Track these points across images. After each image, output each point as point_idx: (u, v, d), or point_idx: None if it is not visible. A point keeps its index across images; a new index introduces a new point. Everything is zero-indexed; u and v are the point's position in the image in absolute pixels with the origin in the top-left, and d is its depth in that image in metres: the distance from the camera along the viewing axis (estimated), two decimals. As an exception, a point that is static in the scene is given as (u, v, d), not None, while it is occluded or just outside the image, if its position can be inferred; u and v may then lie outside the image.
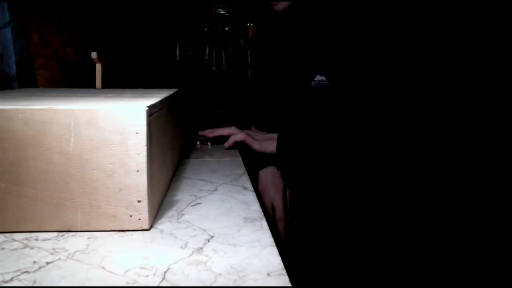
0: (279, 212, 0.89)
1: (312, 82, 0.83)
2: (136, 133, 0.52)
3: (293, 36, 0.92)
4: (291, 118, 0.89)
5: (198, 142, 1.13)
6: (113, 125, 0.52)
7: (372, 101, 0.76)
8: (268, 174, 0.93)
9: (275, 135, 0.84)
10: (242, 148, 0.90)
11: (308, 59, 0.86)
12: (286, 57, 0.94)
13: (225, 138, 1.00)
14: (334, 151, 0.76)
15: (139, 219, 0.54)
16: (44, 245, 0.50)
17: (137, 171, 0.52)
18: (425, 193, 0.82)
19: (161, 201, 0.66)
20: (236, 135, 0.91)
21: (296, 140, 0.80)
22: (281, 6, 0.86)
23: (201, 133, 1.06)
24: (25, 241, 0.51)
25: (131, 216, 0.54)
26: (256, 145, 0.86)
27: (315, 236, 0.93)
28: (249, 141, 0.86)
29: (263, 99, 1.04)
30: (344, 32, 0.79)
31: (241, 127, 1.02)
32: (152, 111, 0.56)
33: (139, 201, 0.53)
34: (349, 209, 0.89)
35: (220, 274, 0.43)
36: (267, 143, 0.85)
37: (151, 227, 0.56)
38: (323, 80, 0.81)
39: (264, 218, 0.61)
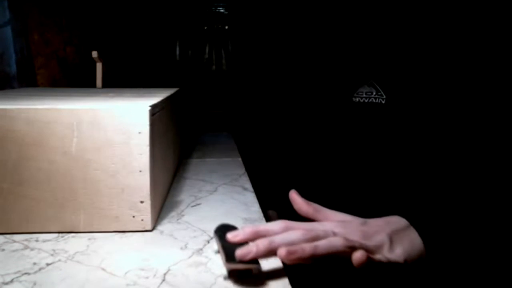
0: None
1: (355, 96, 0.57)
2: (139, 133, 0.52)
3: (331, 33, 0.63)
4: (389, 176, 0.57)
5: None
6: (116, 125, 0.52)
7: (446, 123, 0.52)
8: None
9: (387, 220, 0.49)
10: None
11: (348, 61, 0.59)
12: (314, 59, 0.66)
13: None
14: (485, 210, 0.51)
15: (142, 220, 0.54)
16: (44, 246, 0.50)
17: (140, 171, 0.53)
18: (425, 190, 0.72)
19: (163, 201, 0.66)
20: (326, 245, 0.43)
21: (447, 221, 0.50)
22: None
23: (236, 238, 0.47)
24: (26, 242, 0.51)
25: (133, 217, 0.54)
26: (378, 256, 0.45)
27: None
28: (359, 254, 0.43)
29: (264, 97, 0.82)
30: (398, 27, 0.54)
31: (242, 126, 1.01)
32: (154, 111, 0.56)
33: (141, 202, 0.53)
34: (349, 207, 0.89)
35: (220, 276, 0.44)
36: (397, 244, 0.46)
37: (153, 228, 0.56)
38: (371, 93, 0.55)
39: (263, 219, 0.61)
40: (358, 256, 0.41)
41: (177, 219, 0.60)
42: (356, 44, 0.57)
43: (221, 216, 0.62)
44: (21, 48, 1.14)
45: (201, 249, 0.50)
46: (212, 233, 0.55)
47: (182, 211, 0.64)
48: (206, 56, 2.35)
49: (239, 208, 0.66)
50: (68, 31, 1.41)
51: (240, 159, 1.00)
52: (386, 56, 0.55)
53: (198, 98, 2.24)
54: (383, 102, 0.54)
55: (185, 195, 0.72)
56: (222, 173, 0.87)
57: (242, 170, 0.90)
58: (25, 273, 0.43)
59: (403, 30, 0.54)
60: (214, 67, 2.36)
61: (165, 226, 0.57)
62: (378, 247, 0.45)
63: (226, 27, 2.34)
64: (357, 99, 0.55)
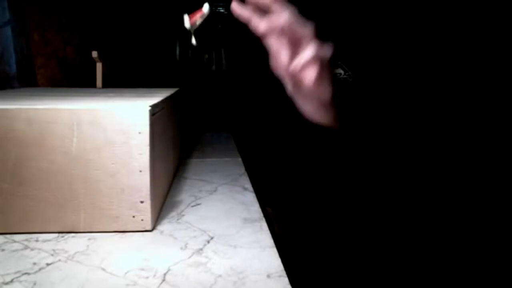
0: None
1: None
2: (139, 133, 0.52)
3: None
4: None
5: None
6: (116, 125, 0.52)
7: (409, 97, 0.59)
8: None
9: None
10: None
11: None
12: None
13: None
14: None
15: (142, 220, 0.54)
16: (44, 246, 0.50)
17: (140, 171, 0.53)
18: (426, 193, 0.81)
19: (163, 201, 0.66)
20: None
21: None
22: None
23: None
24: (26, 242, 0.51)
25: (133, 217, 0.54)
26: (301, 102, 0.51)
27: (315, 236, 0.93)
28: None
29: (264, 97, 0.91)
30: (365, 15, 0.62)
31: (242, 126, 1.01)
32: (154, 111, 0.56)
33: (141, 202, 0.53)
34: (349, 208, 0.89)
35: (220, 276, 0.44)
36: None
37: (153, 228, 0.56)
38: (340, 74, 0.63)
39: (263, 219, 0.61)
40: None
41: (177, 219, 0.60)
42: (326, 35, 0.61)
43: (221, 216, 0.62)
44: (21, 48, 1.14)
45: (201, 249, 0.50)
46: (212, 233, 0.55)
47: (182, 211, 0.63)
48: (206, 56, 2.35)
49: (239, 208, 0.66)
50: (68, 31, 1.41)
51: (240, 159, 1.00)
52: (350, 42, 0.63)
53: (198, 98, 2.24)
54: (350, 80, 0.62)
55: (185, 195, 0.71)
56: (222, 173, 0.86)
57: (242, 170, 0.90)
58: (25, 273, 0.43)
59: (363, 19, 0.63)
60: (214, 67, 2.36)
61: (165, 226, 0.57)
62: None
63: (226, 27, 2.34)
64: None
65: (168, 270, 0.45)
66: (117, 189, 0.52)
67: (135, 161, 0.52)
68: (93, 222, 0.53)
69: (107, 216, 0.53)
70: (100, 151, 0.52)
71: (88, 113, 0.51)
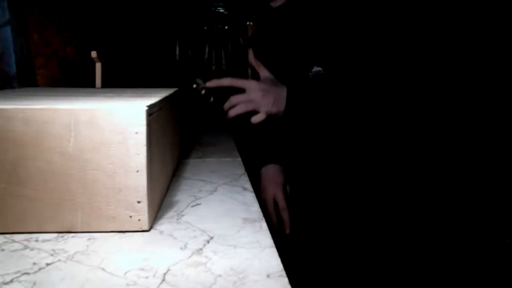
0: (282, 203, 0.92)
1: (310, 73, 0.89)
2: (136, 133, 0.52)
3: (290, 32, 0.95)
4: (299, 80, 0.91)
5: (194, 85, 0.94)
6: (113, 125, 0.51)
7: (364, 86, 0.85)
8: (269, 172, 0.96)
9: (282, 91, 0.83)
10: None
11: (305, 53, 0.91)
12: (285, 51, 0.96)
13: (226, 92, 0.93)
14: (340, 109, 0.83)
15: (139, 220, 0.54)
16: (44, 246, 0.50)
17: (137, 171, 0.52)
18: (424, 190, 0.83)
19: (161, 201, 0.66)
20: (239, 104, 0.82)
21: (306, 95, 0.83)
22: (277, 2, 0.93)
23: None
24: (25, 242, 0.50)
25: (130, 217, 0.53)
26: (264, 108, 0.79)
27: (315, 236, 0.93)
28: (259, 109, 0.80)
29: None
30: (337, 27, 0.87)
31: (242, 126, 1.02)
32: (151, 111, 0.56)
33: (138, 202, 0.53)
34: (348, 208, 0.89)
35: (219, 276, 0.43)
36: (275, 104, 0.81)
37: (151, 228, 0.56)
38: (320, 70, 0.88)
39: (263, 219, 0.61)
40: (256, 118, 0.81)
41: (177, 219, 0.60)
42: (310, 44, 0.89)
43: (221, 216, 0.62)
44: (21, 48, 1.14)
45: (201, 249, 0.50)
46: (212, 233, 0.55)
47: (182, 211, 0.63)
48: (206, 56, 2.35)
49: (239, 208, 0.65)
50: (68, 31, 1.41)
51: (240, 159, 1.00)
52: (325, 50, 0.87)
53: (198, 98, 2.24)
54: (325, 75, 0.87)
55: (185, 195, 0.71)
56: (222, 173, 0.86)
57: (242, 170, 0.90)
58: (25, 273, 0.43)
59: (335, 36, 0.87)
60: (214, 67, 2.36)
61: (165, 226, 0.57)
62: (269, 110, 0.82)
63: (226, 27, 2.34)
64: (311, 75, 0.88)
65: (168, 270, 0.44)
66: (114, 189, 0.52)
67: (132, 161, 0.52)
68: (90, 222, 0.53)
69: (104, 216, 0.53)
70: (97, 151, 0.51)
71: (85, 113, 0.51)
